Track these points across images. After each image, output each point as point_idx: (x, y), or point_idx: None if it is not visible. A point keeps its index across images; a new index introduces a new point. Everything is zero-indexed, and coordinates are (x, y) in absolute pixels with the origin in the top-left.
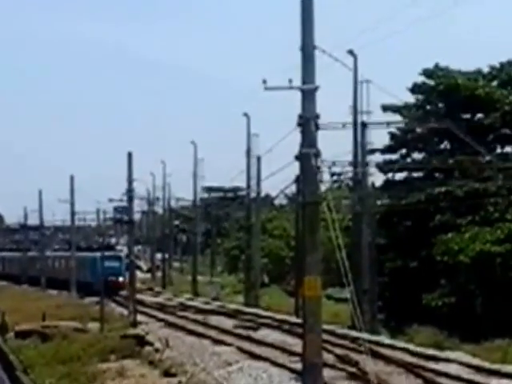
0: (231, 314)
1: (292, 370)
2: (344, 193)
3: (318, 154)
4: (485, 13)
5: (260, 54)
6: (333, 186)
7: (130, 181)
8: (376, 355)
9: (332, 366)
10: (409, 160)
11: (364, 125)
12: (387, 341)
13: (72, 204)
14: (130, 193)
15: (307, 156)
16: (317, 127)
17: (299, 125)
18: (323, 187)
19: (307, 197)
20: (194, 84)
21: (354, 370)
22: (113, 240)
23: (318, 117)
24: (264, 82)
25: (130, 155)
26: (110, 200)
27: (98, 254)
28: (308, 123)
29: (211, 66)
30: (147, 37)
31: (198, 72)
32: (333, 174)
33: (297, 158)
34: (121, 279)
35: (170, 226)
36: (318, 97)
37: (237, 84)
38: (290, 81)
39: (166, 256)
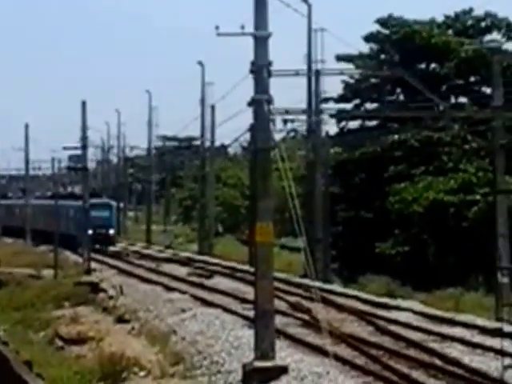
0: (184, 262)
1: (244, 317)
2: (299, 143)
3: (270, 101)
4: None
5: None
6: (288, 135)
7: (84, 129)
8: (328, 303)
9: (284, 314)
10: (363, 109)
11: (318, 72)
12: (340, 289)
13: (26, 152)
14: (83, 140)
15: (259, 102)
16: (269, 74)
17: (252, 72)
18: (278, 137)
19: (259, 143)
20: (148, 31)
21: (306, 317)
22: (69, 189)
23: (270, 64)
24: (217, 28)
25: (83, 104)
26: (64, 148)
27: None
28: (261, 70)
29: (165, 12)
30: None
31: (152, 19)
32: (285, 121)
33: (249, 104)
34: (111, 232)
35: (125, 175)
36: (272, 45)
37: (191, 31)
38: (243, 27)
39: (121, 205)
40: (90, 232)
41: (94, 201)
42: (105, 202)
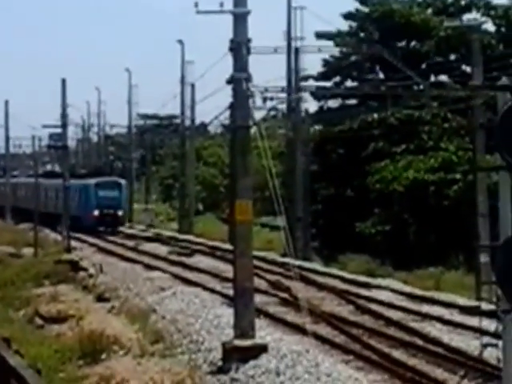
0: (165, 241)
1: (224, 295)
2: (279, 121)
3: (249, 79)
4: None
5: None
6: (269, 113)
7: (64, 107)
8: (308, 282)
9: (264, 292)
10: (342, 87)
11: (297, 50)
12: (320, 268)
13: (7, 129)
14: (64, 118)
15: (239, 80)
16: (248, 51)
17: (231, 49)
18: (258, 115)
19: (239, 121)
20: (128, 10)
21: (285, 295)
22: (48, 167)
23: (249, 41)
24: (196, 5)
25: (63, 82)
26: (44, 126)
27: (91, 181)
28: (239, 47)
29: None
30: None
31: None
32: (265, 99)
33: (228, 82)
34: (120, 213)
35: (106, 153)
36: (252, 23)
37: (171, 9)
38: (221, 4)
39: None
40: (97, 213)
41: (100, 179)
42: (113, 180)
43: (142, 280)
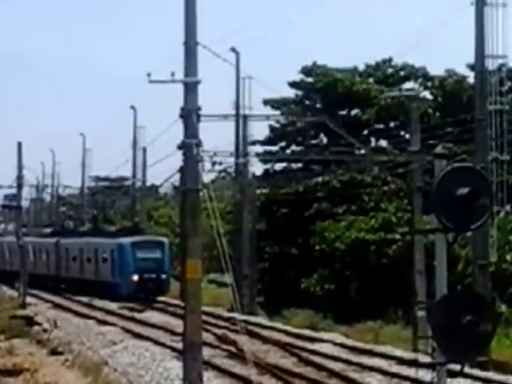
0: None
1: (174, 349)
2: (228, 183)
3: (199, 144)
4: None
5: (148, 47)
6: (218, 176)
7: (20, 169)
8: (254, 335)
9: (212, 345)
10: (288, 152)
11: (245, 117)
12: (265, 322)
13: None
14: (19, 180)
15: (189, 146)
16: (198, 119)
17: (181, 116)
18: (208, 177)
19: (189, 184)
20: (82, 76)
21: (232, 348)
22: (1, 226)
23: (199, 109)
24: (148, 75)
25: (19, 145)
26: (0, 187)
27: (127, 240)
28: (190, 115)
29: (97, 58)
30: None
31: (86, 64)
32: (214, 163)
33: (179, 147)
34: (164, 277)
35: (57, 213)
36: (203, 90)
37: (124, 76)
38: (173, 74)
39: None
40: (136, 278)
41: (138, 238)
42: (155, 239)
43: (94, 334)
